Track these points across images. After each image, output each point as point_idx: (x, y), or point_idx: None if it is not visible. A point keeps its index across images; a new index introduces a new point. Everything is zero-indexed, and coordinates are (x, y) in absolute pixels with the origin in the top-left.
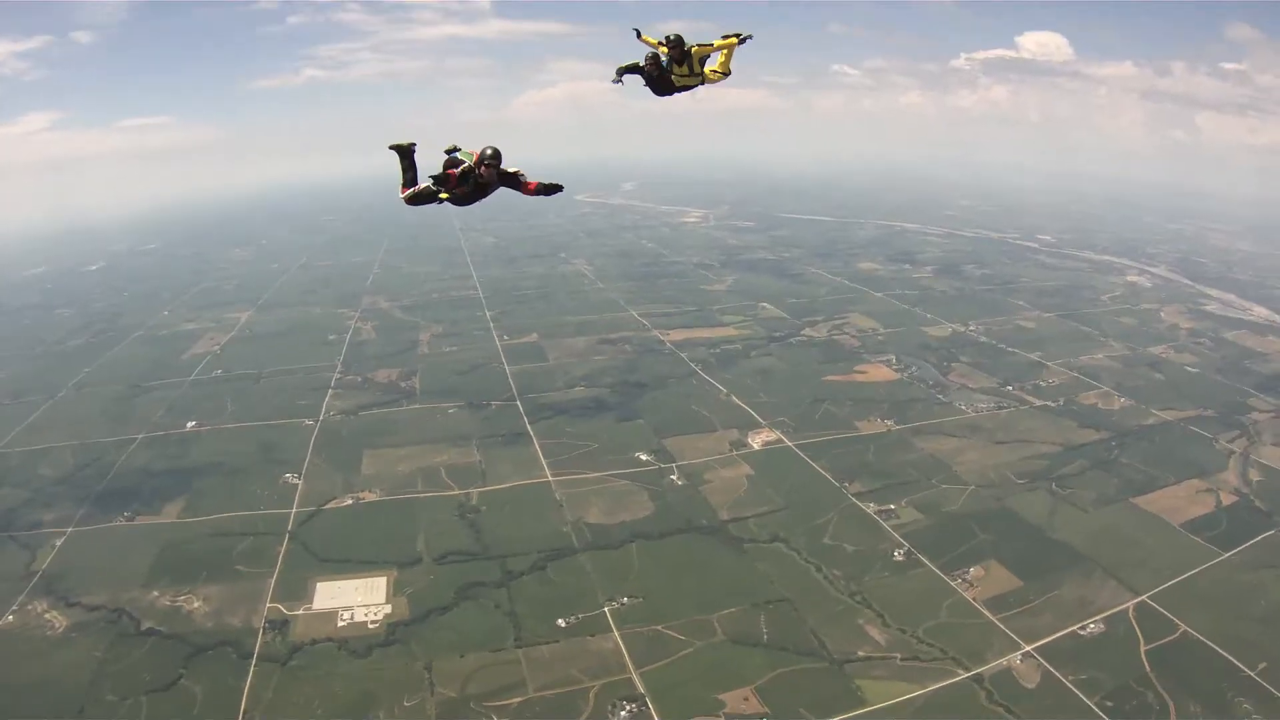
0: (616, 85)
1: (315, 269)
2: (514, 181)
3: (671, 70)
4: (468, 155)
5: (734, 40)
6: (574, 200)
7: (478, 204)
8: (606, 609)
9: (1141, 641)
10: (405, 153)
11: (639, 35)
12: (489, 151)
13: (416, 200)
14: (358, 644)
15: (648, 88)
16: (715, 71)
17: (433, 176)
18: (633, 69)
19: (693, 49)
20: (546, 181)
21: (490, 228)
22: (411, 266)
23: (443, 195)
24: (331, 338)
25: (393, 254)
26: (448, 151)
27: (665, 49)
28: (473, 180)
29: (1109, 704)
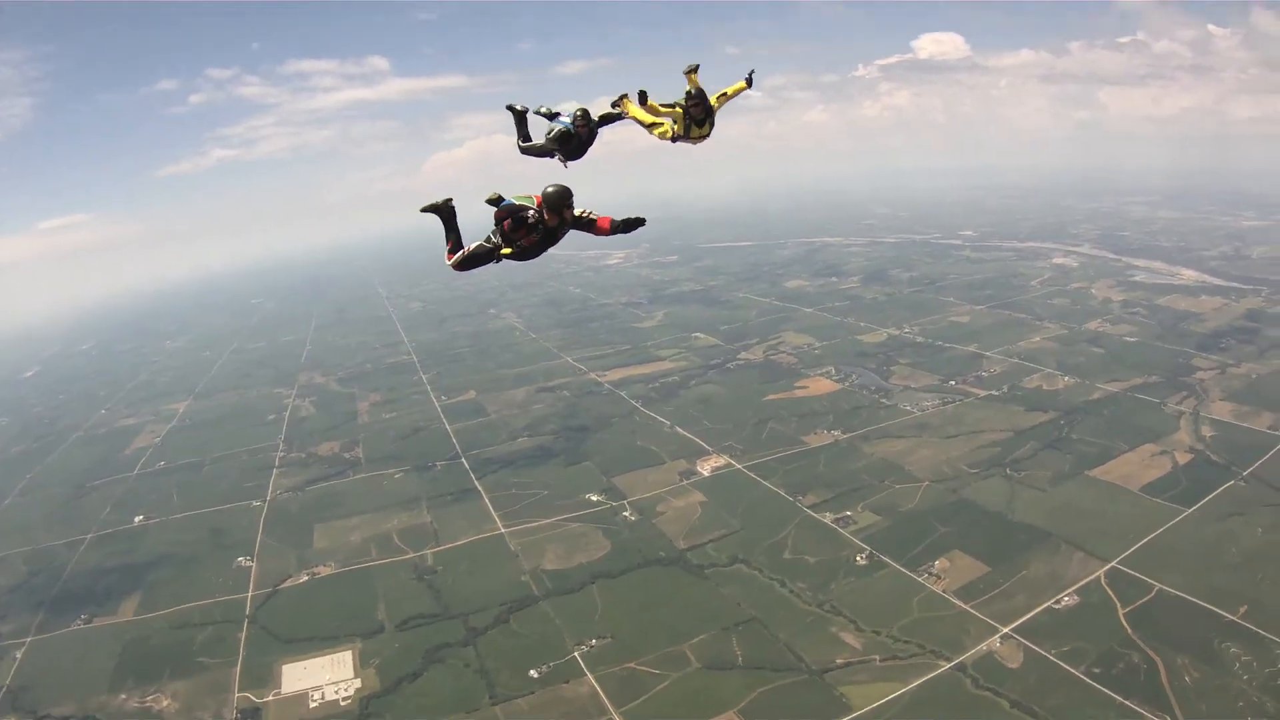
0: (561, 164)
1: (248, 352)
2: (585, 223)
3: (690, 133)
4: (526, 199)
5: (742, 85)
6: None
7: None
8: (577, 653)
9: (1118, 606)
10: (444, 212)
11: (644, 100)
12: (555, 191)
13: (470, 263)
14: None
15: (560, 154)
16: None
17: (497, 230)
18: (564, 136)
19: (713, 103)
20: (623, 217)
21: (415, 293)
22: (343, 339)
23: (505, 250)
24: (271, 417)
25: (323, 329)
26: (493, 203)
27: (679, 111)
28: (541, 228)
29: (1096, 671)
